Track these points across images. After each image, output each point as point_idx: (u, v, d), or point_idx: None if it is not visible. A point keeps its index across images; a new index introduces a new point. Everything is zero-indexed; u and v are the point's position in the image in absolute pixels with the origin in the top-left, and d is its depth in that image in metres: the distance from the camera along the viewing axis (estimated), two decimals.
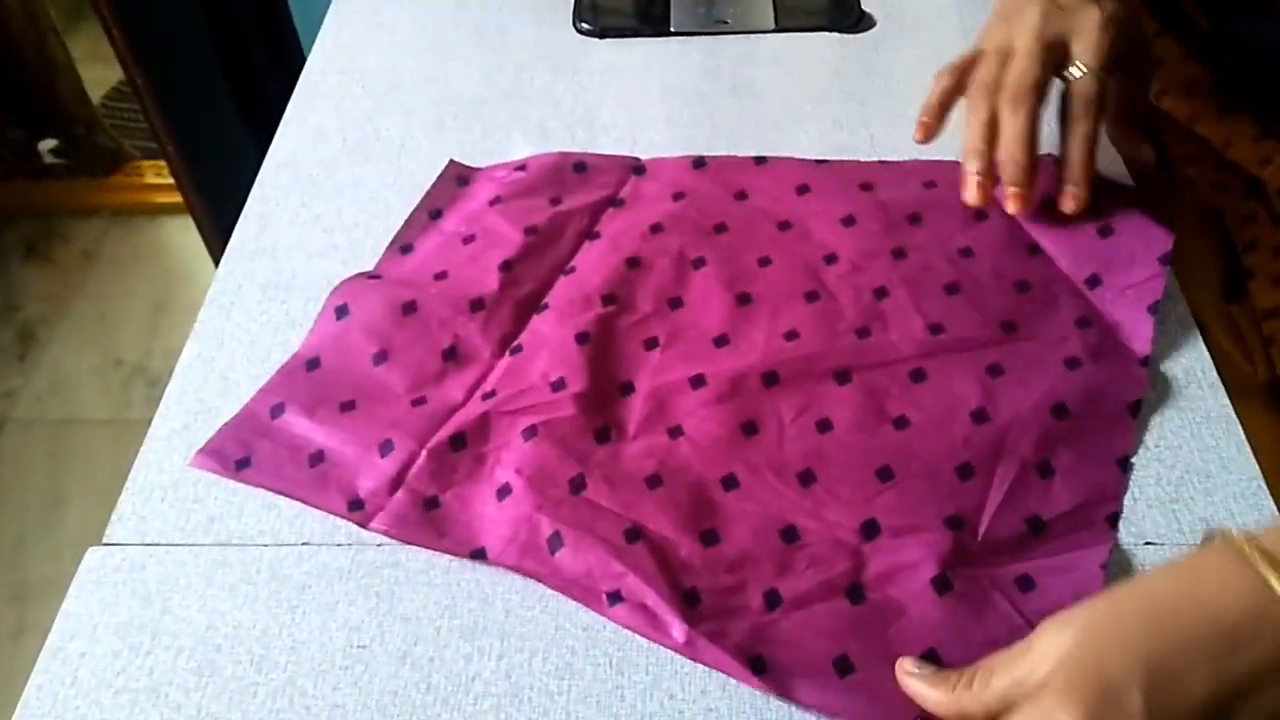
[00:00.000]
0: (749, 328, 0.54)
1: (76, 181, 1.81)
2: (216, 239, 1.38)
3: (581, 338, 0.53)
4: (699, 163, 0.63)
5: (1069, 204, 0.56)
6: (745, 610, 0.44)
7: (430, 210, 0.62)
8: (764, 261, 0.57)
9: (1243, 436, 0.51)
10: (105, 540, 0.49)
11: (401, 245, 0.60)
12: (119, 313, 1.69)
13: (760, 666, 0.42)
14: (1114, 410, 0.51)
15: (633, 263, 0.57)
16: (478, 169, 0.64)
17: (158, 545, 0.48)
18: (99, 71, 1.83)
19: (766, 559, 0.46)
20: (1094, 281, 0.56)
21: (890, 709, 0.41)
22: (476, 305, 0.55)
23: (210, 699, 0.43)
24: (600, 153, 0.65)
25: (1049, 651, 0.37)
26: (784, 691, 0.41)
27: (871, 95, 0.70)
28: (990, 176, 0.56)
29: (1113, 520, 0.47)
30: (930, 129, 0.58)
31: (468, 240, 0.59)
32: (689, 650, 0.43)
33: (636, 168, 0.64)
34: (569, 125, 0.69)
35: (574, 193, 0.62)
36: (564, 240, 0.59)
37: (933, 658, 0.43)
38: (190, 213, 1.43)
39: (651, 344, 0.54)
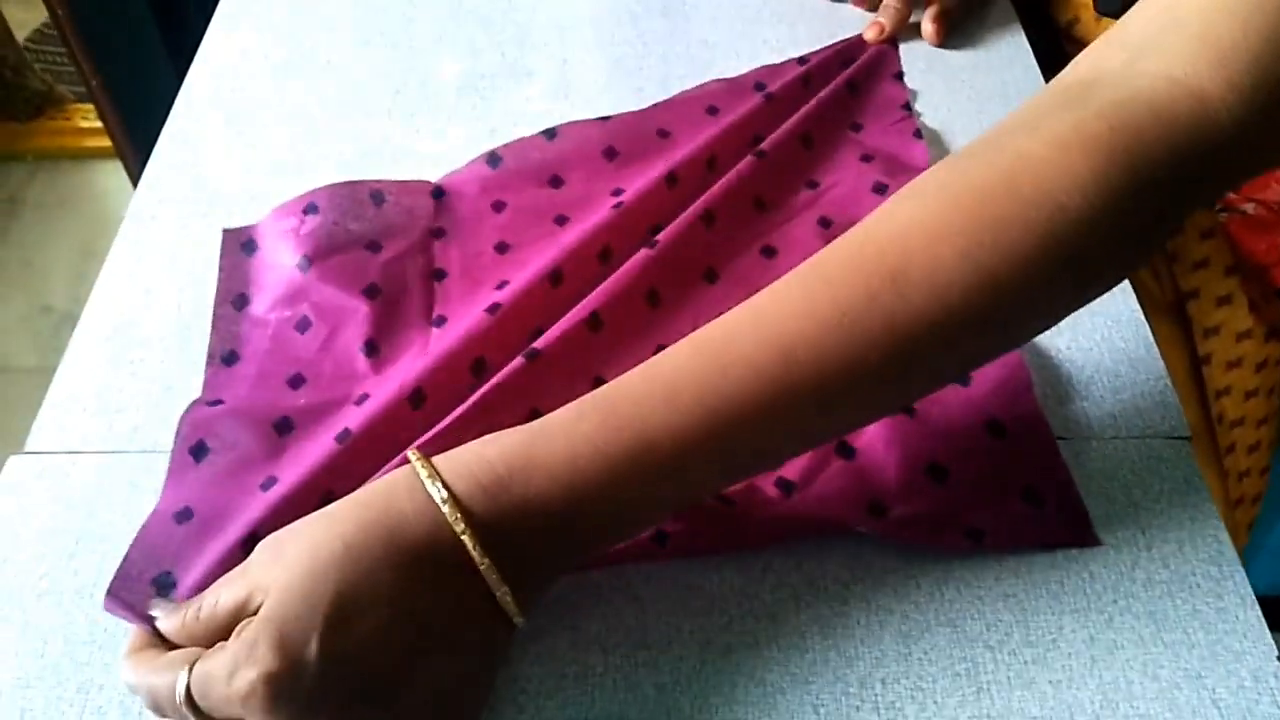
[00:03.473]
0: (666, 296, 0.53)
1: (0, 126, 1.76)
2: None
3: (476, 369, 0.49)
4: (493, 160, 0.59)
5: (871, 31, 0.68)
6: (770, 503, 0.46)
7: (232, 299, 0.53)
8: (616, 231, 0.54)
9: (1151, 339, 0.53)
10: (26, 449, 0.48)
11: (222, 356, 0.51)
12: (46, 259, 1.65)
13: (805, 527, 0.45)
14: None
15: (501, 285, 0.53)
16: (254, 227, 0.55)
17: (80, 453, 0.48)
18: (19, 13, 1.77)
19: None
20: (856, 127, 0.63)
21: (937, 531, 0.45)
22: (360, 400, 0.49)
23: None
24: (392, 179, 0.58)
25: (262, 582, 0.35)
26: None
27: (801, 18, 0.71)
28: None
29: None
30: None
31: (303, 326, 0.51)
32: (742, 543, 0.44)
33: (434, 191, 0.58)
34: (499, 44, 0.68)
35: (389, 235, 0.55)
36: (412, 290, 0.53)
37: (937, 470, 0.46)
38: (118, 154, 1.40)
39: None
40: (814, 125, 0.62)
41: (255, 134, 0.62)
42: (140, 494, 0.46)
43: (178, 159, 0.61)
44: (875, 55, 0.67)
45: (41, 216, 1.70)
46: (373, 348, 0.51)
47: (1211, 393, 0.73)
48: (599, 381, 0.50)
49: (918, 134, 0.62)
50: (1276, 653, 0.42)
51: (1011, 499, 0.46)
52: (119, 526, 0.45)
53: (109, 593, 0.41)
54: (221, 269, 0.54)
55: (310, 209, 0.55)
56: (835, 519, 0.45)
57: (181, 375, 0.50)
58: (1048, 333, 0.52)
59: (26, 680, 0.41)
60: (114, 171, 1.47)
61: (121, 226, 0.57)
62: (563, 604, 0.43)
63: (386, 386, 0.48)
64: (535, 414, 0.47)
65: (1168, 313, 0.70)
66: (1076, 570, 0.44)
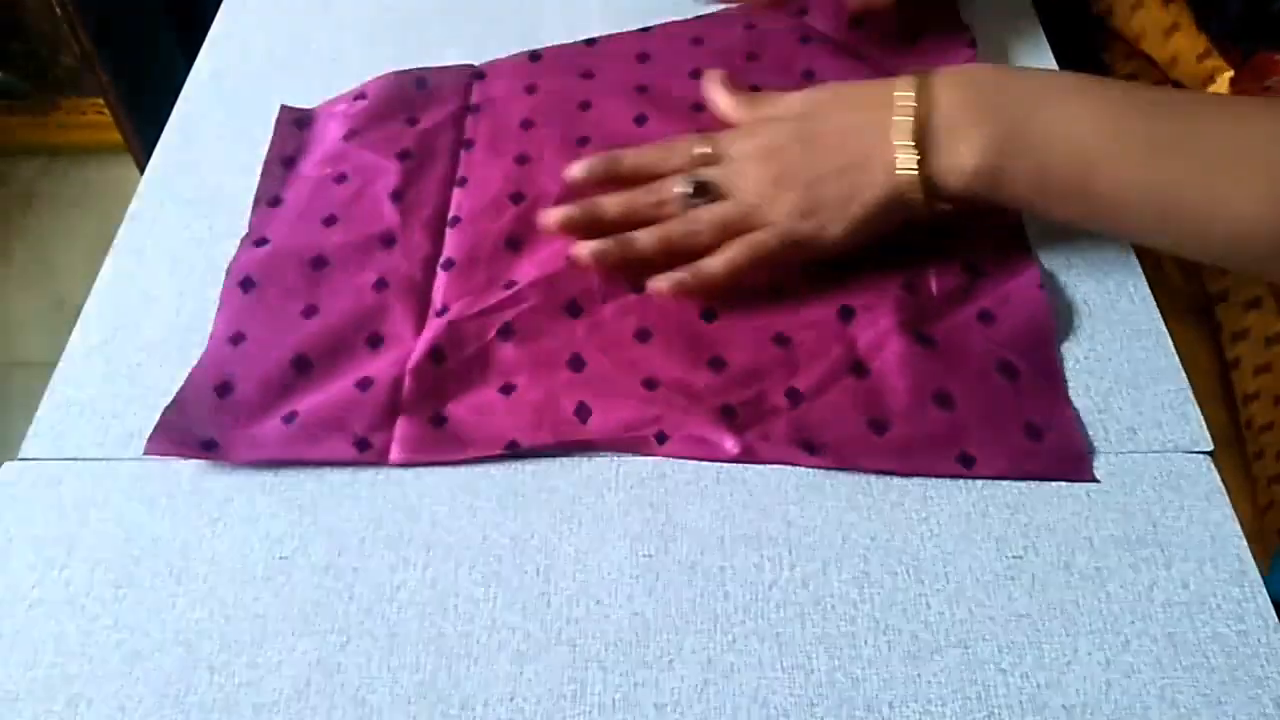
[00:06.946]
0: None
1: (13, 120, 1.76)
2: None
3: (511, 243, 0.54)
4: (535, 56, 0.65)
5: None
6: (777, 410, 0.48)
7: (281, 160, 0.59)
8: (640, 120, 0.60)
9: (1172, 349, 0.51)
10: (21, 455, 0.47)
11: (268, 200, 0.57)
12: (61, 254, 1.65)
13: (812, 449, 0.46)
14: None
15: (521, 159, 0.58)
16: (313, 109, 0.62)
17: (75, 460, 0.47)
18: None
19: (774, 366, 0.49)
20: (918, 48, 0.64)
21: (932, 453, 0.46)
22: (387, 240, 0.55)
23: (128, 610, 0.43)
24: (437, 65, 0.64)
25: (794, 107, 0.52)
26: (840, 463, 0.46)
27: None
28: None
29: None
30: None
31: (340, 180, 0.58)
32: (747, 456, 0.46)
33: (475, 74, 0.64)
34: (505, 44, 0.67)
35: (426, 109, 0.61)
36: (440, 155, 0.59)
37: (944, 398, 0.48)
38: (129, 149, 1.40)
39: None
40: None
41: (259, 132, 0.61)
42: (133, 504, 0.46)
43: (179, 159, 0.60)
44: None
45: (56, 211, 1.70)
46: (398, 195, 0.57)
47: (1240, 397, 0.72)
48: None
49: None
50: None
51: (1012, 430, 0.47)
52: (111, 536, 0.45)
53: (157, 428, 0.47)
54: (275, 135, 0.60)
55: (359, 96, 0.61)
56: (836, 438, 0.47)
57: (179, 382, 0.49)
58: (1065, 342, 0.51)
59: (15, 693, 0.40)
60: (129, 166, 1.47)
61: (121, 228, 0.56)
62: (561, 619, 0.42)
63: (410, 227, 0.55)
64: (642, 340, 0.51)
65: (1196, 315, 0.69)
66: (1092, 590, 0.43)
